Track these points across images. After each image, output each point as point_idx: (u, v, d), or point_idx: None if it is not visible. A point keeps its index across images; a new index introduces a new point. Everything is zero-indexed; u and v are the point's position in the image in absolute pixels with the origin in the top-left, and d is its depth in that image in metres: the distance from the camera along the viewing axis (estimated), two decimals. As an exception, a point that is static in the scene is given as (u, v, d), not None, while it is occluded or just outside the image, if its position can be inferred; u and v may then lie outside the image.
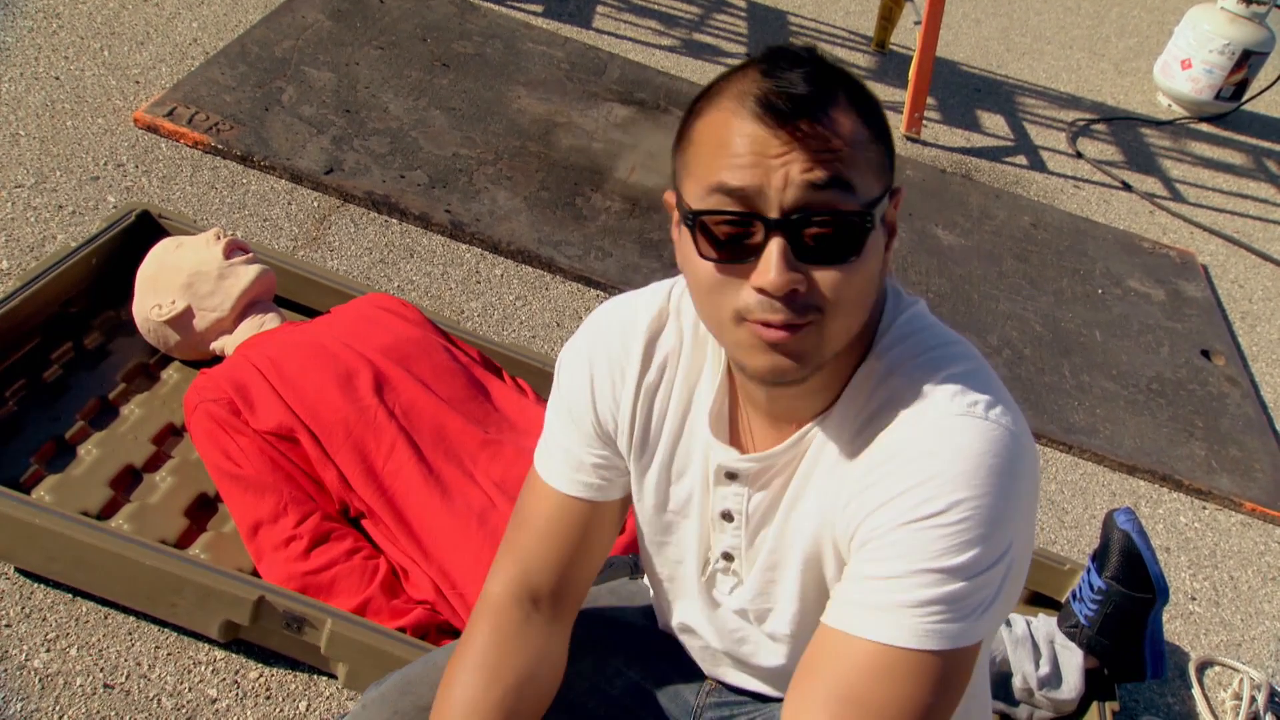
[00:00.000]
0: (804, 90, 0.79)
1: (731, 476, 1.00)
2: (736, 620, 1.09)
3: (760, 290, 0.82)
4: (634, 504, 1.11)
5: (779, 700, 1.17)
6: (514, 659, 1.08)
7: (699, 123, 0.85)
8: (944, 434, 0.85)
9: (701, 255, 0.84)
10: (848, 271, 0.82)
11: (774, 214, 0.80)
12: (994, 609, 0.86)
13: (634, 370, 1.03)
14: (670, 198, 0.91)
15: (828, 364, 0.88)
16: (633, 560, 1.58)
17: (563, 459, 1.09)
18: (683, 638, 1.19)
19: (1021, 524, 0.87)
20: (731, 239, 0.83)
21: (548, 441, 1.11)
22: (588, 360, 1.06)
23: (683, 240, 0.88)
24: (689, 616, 1.14)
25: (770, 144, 0.79)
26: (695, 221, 0.84)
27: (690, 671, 1.24)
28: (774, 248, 0.80)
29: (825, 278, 0.82)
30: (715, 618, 1.10)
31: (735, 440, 1.01)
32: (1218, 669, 2.16)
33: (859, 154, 0.81)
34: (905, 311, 0.95)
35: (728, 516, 1.02)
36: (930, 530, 0.83)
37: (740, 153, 0.80)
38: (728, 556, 1.05)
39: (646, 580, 1.29)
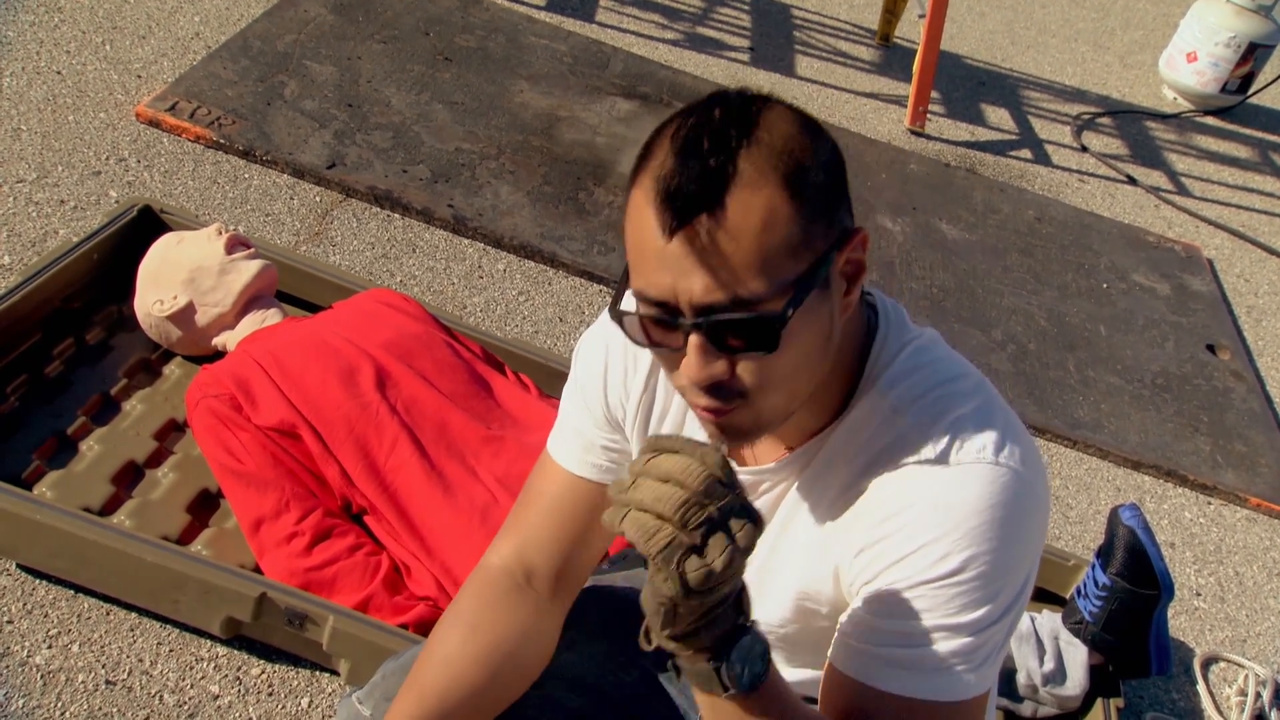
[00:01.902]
0: (700, 176, 0.76)
1: None
2: None
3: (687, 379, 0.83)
4: None
5: None
6: (495, 621, 1.09)
7: (632, 191, 0.83)
8: (955, 486, 0.85)
9: (640, 342, 0.86)
10: (770, 359, 0.81)
11: (688, 317, 0.80)
12: (1001, 654, 0.89)
13: (646, 360, 1.05)
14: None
15: (780, 425, 0.88)
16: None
17: (574, 439, 1.11)
18: None
19: (1030, 566, 0.89)
20: (658, 331, 0.83)
21: (561, 423, 1.13)
22: (604, 347, 1.07)
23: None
24: None
25: (671, 255, 0.78)
26: (622, 317, 0.85)
27: None
28: (692, 345, 0.80)
29: (746, 367, 0.82)
30: None
31: (733, 450, 1.00)
32: (1223, 665, 2.16)
33: (771, 240, 0.77)
34: (910, 344, 0.93)
35: None
36: (945, 589, 0.84)
37: (651, 258, 0.79)
38: None
39: None
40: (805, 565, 0.96)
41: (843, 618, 0.92)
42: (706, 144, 0.77)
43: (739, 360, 0.81)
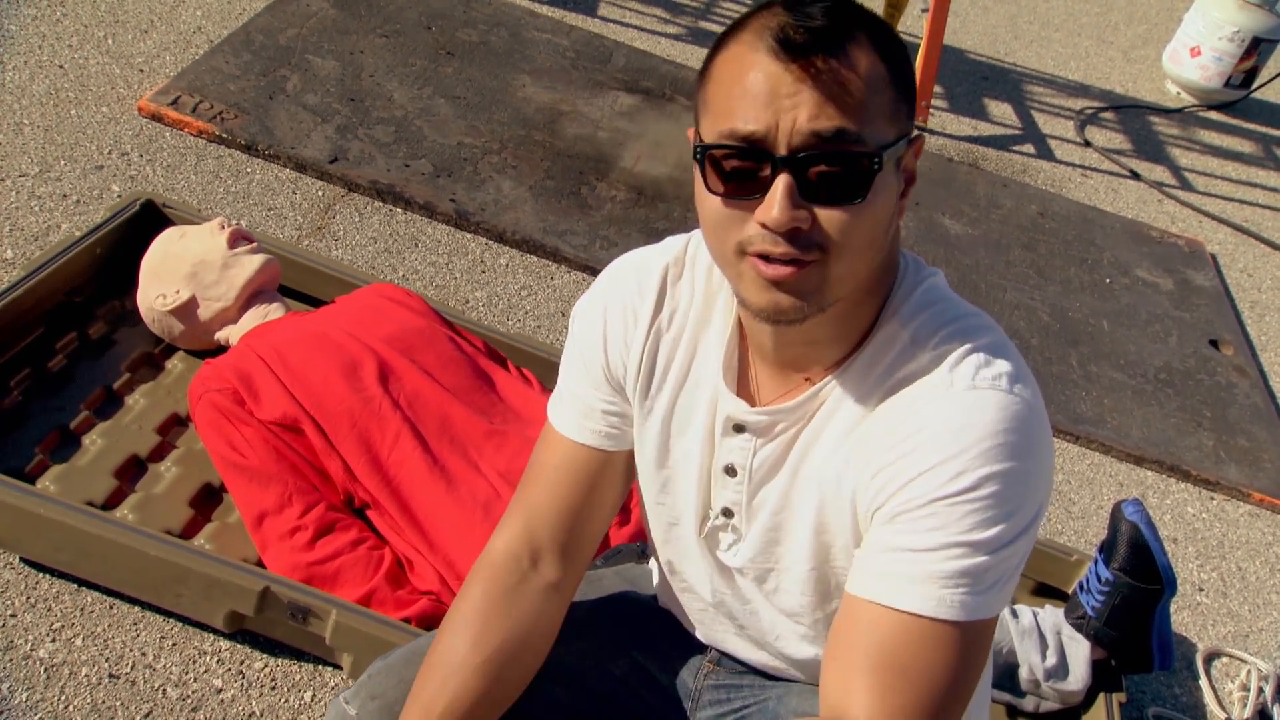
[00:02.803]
0: (821, 24, 0.80)
1: (739, 429, 1.00)
2: (736, 579, 1.09)
3: (764, 225, 0.83)
4: (636, 459, 1.11)
5: (779, 680, 1.18)
6: (503, 622, 1.08)
7: (719, 57, 0.86)
8: (972, 408, 0.86)
9: (709, 190, 0.86)
10: (853, 213, 0.83)
11: (782, 151, 0.81)
12: (1010, 583, 0.89)
13: (647, 312, 1.04)
14: (690, 133, 0.92)
15: (830, 308, 0.88)
16: (640, 548, 1.58)
17: (573, 405, 1.10)
18: (683, 598, 1.19)
19: (1041, 498, 0.89)
20: (739, 174, 0.84)
21: (560, 391, 1.12)
22: (602, 305, 1.07)
23: (696, 176, 0.89)
24: (690, 576, 1.14)
25: (783, 82, 0.80)
26: (705, 156, 0.85)
27: (691, 652, 1.24)
28: (780, 184, 0.81)
29: (830, 217, 0.82)
30: (715, 577, 1.11)
31: (743, 392, 1.01)
32: (1225, 660, 2.16)
33: (873, 95, 0.82)
34: (925, 281, 0.96)
35: (731, 471, 1.02)
36: (961, 505, 0.85)
37: (754, 91, 0.81)
38: (727, 513, 1.05)
39: (651, 563, 1.29)
40: (823, 498, 0.96)
41: (862, 547, 0.93)
42: (821, 4, 0.82)
43: (823, 211, 0.82)
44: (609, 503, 1.13)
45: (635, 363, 1.05)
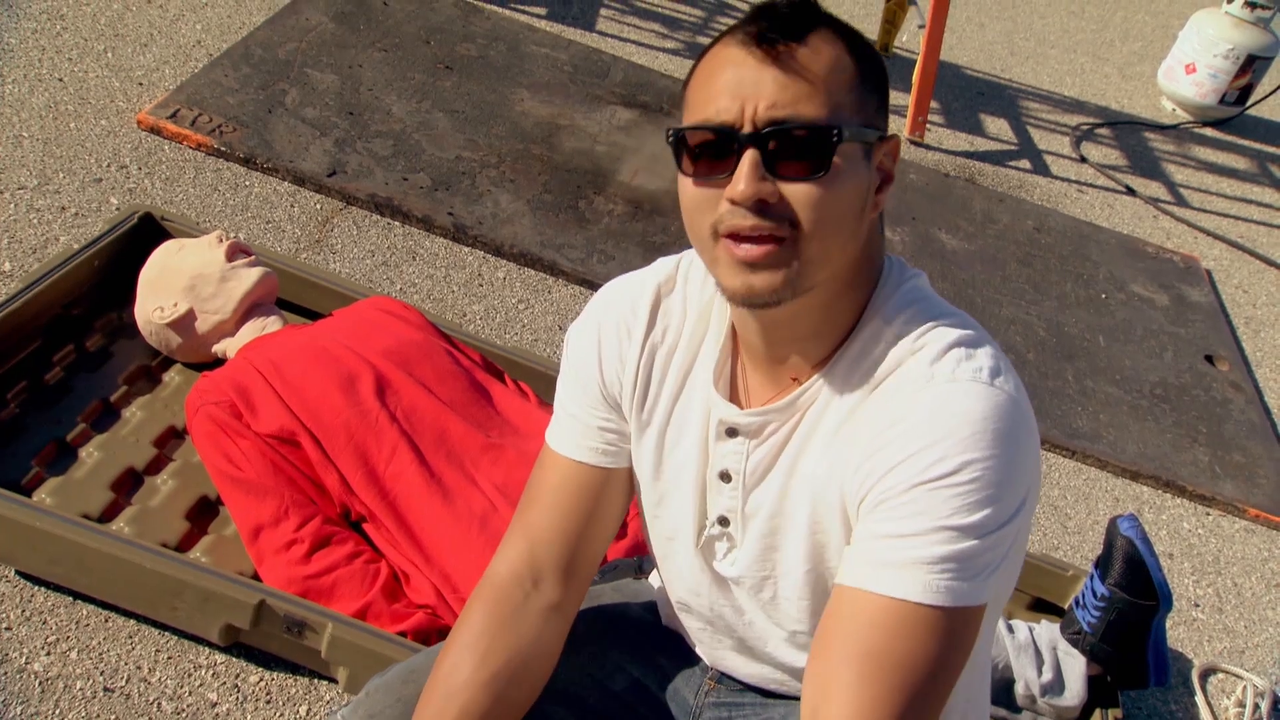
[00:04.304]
0: (787, 14, 0.87)
1: (732, 433, 1.01)
2: (733, 590, 1.09)
3: (733, 201, 0.86)
4: (634, 472, 1.12)
5: (780, 698, 1.18)
6: (507, 642, 1.08)
7: (699, 64, 0.92)
8: (952, 398, 0.88)
9: (682, 172, 0.91)
10: (820, 186, 0.86)
11: (747, 129, 0.86)
12: (1000, 573, 0.89)
13: (640, 329, 1.06)
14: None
15: (808, 294, 0.90)
16: (637, 562, 1.58)
17: (570, 425, 1.11)
18: (682, 617, 1.20)
19: (1026, 489, 0.90)
20: (708, 154, 0.88)
21: (557, 413, 1.13)
22: (596, 324, 1.09)
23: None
24: (687, 591, 1.14)
25: (748, 67, 0.86)
26: (678, 140, 0.90)
27: (691, 669, 1.24)
28: (745, 160, 0.85)
29: (795, 191, 0.86)
30: (712, 590, 1.11)
31: (734, 398, 1.03)
32: (1221, 676, 2.16)
33: (836, 77, 0.87)
34: (908, 281, 0.98)
35: (725, 477, 1.03)
36: (943, 490, 0.86)
37: (723, 82, 0.87)
38: (723, 521, 1.05)
39: (651, 578, 1.29)
40: (815, 497, 0.97)
41: (850, 541, 0.93)
42: (790, 7, 0.89)
43: (788, 186, 0.86)
44: (609, 521, 1.13)
45: (631, 378, 1.07)
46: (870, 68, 0.90)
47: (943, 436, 0.86)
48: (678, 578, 1.14)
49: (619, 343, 1.07)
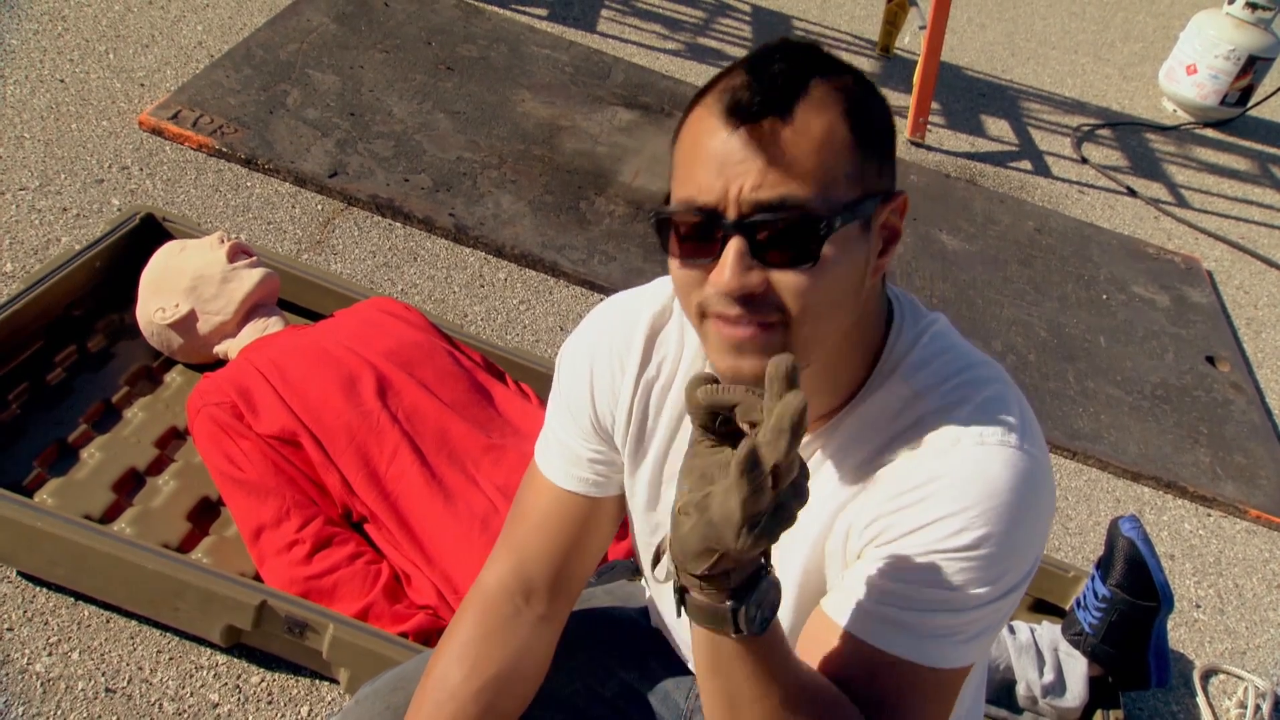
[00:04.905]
0: (774, 87, 0.80)
1: None
2: None
3: (718, 291, 0.82)
4: (627, 499, 1.11)
5: None
6: (497, 652, 1.08)
7: (687, 119, 0.86)
8: (979, 465, 0.86)
9: (668, 252, 0.86)
10: (809, 276, 0.81)
11: (731, 216, 0.80)
12: (992, 634, 0.91)
13: (634, 363, 1.03)
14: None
15: (804, 370, 0.87)
16: (633, 564, 1.58)
17: (560, 452, 1.09)
18: (671, 627, 1.20)
19: (1035, 555, 0.90)
20: (693, 238, 0.83)
21: (546, 435, 1.11)
22: (589, 354, 1.06)
23: None
24: (669, 618, 1.14)
25: (732, 149, 0.80)
26: (661, 221, 0.85)
27: (682, 673, 1.24)
28: (730, 249, 0.80)
29: (784, 281, 0.81)
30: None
31: None
32: (1222, 677, 2.16)
33: (827, 157, 0.80)
34: (927, 331, 0.95)
35: None
36: (956, 561, 0.85)
37: (706, 160, 0.81)
38: None
39: (643, 581, 1.29)
40: (811, 548, 0.96)
41: (847, 575, 0.93)
42: (779, 65, 0.81)
43: (776, 275, 0.81)
44: (597, 544, 1.13)
45: (625, 413, 1.04)
46: (869, 127, 0.84)
47: (967, 506, 0.85)
48: (666, 600, 1.14)
49: (612, 376, 1.04)
